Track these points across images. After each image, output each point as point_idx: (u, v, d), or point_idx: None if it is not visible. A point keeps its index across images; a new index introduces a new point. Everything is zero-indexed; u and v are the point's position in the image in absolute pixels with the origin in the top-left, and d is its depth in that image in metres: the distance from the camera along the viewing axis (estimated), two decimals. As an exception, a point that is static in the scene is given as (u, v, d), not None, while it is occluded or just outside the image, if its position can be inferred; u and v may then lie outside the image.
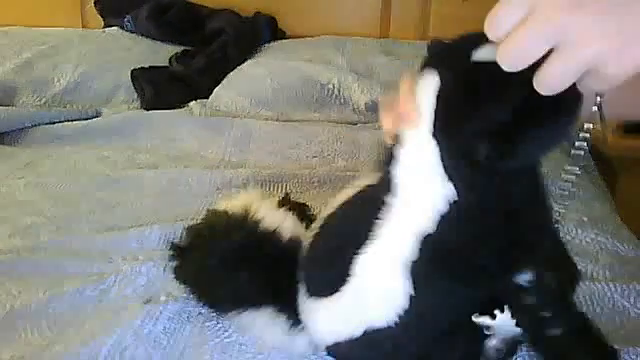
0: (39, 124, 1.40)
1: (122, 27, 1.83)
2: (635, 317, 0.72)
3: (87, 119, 1.45)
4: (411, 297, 0.55)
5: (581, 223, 0.93)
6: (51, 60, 1.64)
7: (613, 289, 0.76)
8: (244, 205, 0.71)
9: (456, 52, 0.50)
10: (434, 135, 0.50)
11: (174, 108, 1.51)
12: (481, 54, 0.47)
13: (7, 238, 0.91)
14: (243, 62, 1.66)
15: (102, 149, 1.28)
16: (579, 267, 0.81)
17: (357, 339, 0.59)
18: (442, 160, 0.50)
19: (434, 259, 0.53)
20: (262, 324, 0.65)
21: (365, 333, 0.58)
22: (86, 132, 1.37)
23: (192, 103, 1.53)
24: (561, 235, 0.90)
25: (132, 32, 1.81)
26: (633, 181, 1.56)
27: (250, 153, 1.26)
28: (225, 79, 1.60)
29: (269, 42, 1.81)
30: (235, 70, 1.63)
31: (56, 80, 1.59)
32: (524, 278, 0.54)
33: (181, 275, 0.73)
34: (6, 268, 0.82)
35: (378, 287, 0.57)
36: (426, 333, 0.59)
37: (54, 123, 1.41)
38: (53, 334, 0.70)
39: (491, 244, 0.52)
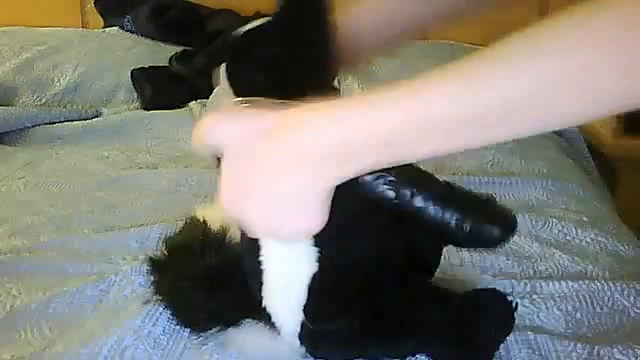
0: (39, 124, 1.40)
1: (122, 27, 1.83)
2: (635, 317, 0.72)
3: (87, 119, 1.45)
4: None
5: (581, 223, 0.93)
6: (51, 60, 1.64)
7: (613, 288, 0.76)
8: (222, 217, 0.70)
9: None
10: None
11: (174, 108, 1.51)
12: None
13: (7, 238, 0.91)
14: (243, 62, 1.66)
15: (102, 149, 1.28)
16: (579, 267, 0.81)
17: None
18: None
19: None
20: (243, 338, 0.65)
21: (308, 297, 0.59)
22: (86, 132, 1.37)
23: (192, 103, 1.53)
24: (560, 235, 0.91)
25: (132, 32, 1.81)
26: (633, 181, 1.56)
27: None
28: (225, 79, 1.60)
29: (269, 42, 1.81)
30: (235, 70, 1.63)
31: (56, 80, 1.59)
32: None
33: (158, 292, 0.72)
34: (6, 268, 0.82)
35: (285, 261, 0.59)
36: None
37: (54, 123, 1.41)
38: (53, 334, 0.70)
39: None
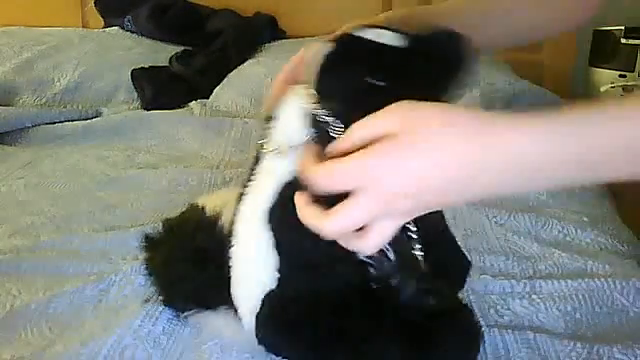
0: (39, 124, 1.40)
1: (122, 27, 1.83)
2: (634, 316, 0.72)
3: (87, 119, 1.45)
4: (276, 247, 0.57)
5: (581, 223, 0.93)
6: (51, 60, 1.64)
7: (612, 287, 0.76)
8: (220, 204, 0.72)
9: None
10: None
11: (174, 108, 1.52)
12: (366, 32, 0.55)
13: (7, 238, 0.91)
14: (243, 62, 1.66)
15: (102, 149, 1.28)
16: (578, 264, 0.81)
17: (260, 314, 0.59)
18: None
19: (288, 204, 0.54)
20: (218, 322, 0.66)
21: (262, 303, 0.59)
22: (86, 132, 1.37)
23: (192, 103, 1.53)
24: (560, 235, 0.91)
25: (132, 32, 1.81)
26: (633, 181, 1.56)
27: (250, 153, 1.25)
28: (225, 79, 1.60)
29: (269, 42, 1.81)
30: (235, 70, 1.63)
31: (56, 80, 1.59)
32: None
33: (149, 268, 0.75)
34: (6, 268, 0.82)
35: (249, 246, 0.59)
36: (316, 299, 0.58)
37: (54, 123, 1.41)
38: (53, 334, 0.70)
39: None
